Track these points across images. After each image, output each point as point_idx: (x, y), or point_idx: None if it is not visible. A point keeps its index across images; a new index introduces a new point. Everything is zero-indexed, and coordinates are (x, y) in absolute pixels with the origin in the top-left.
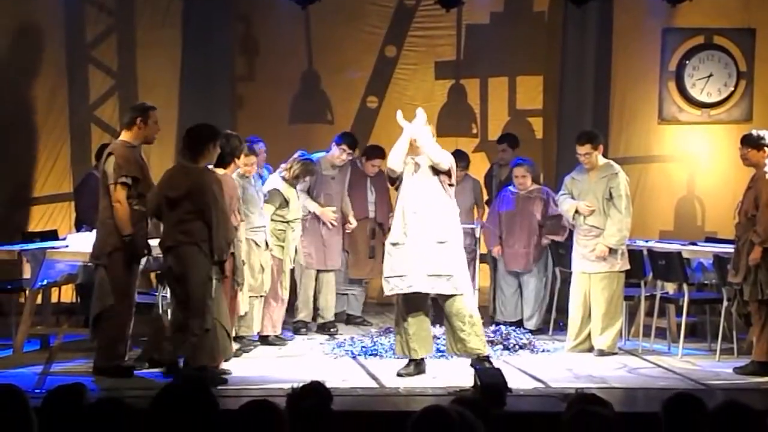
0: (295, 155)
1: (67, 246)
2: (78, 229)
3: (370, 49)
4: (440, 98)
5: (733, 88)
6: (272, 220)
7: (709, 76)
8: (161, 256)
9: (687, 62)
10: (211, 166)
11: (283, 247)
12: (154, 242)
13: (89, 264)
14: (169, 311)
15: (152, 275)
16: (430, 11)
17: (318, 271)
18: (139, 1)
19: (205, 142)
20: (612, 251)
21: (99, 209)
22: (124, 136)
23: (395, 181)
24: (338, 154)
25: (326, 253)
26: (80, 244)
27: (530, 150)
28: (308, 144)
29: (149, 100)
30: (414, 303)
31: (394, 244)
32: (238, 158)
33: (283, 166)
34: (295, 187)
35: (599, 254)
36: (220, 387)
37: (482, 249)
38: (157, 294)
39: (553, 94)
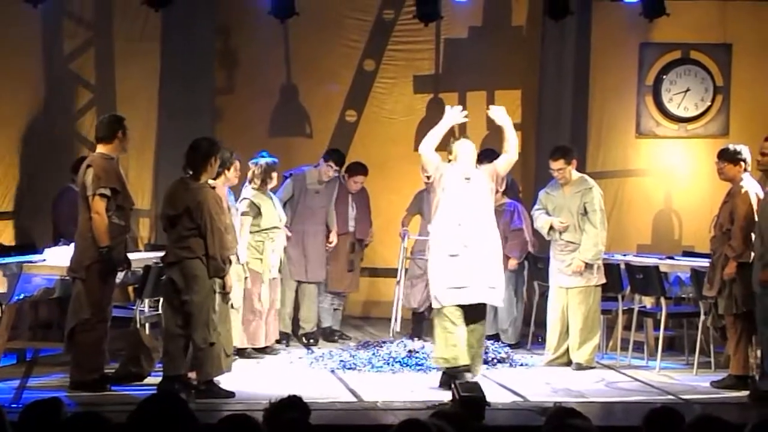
0: (250, 164)
1: (44, 260)
2: (56, 243)
3: (349, 63)
4: (419, 112)
5: (709, 103)
6: (249, 231)
7: (686, 91)
8: (139, 270)
9: (664, 77)
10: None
11: (260, 259)
12: (133, 256)
13: (67, 278)
14: (147, 325)
15: (130, 289)
16: (408, 25)
17: (299, 283)
18: (117, 14)
19: (207, 156)
20: (588, 266)
21: (78, 222)
22: (103, 148)
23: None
24: (325, 170)
25: (307, 265)
26: (58, 257)
27: None
28: (287, 157)
29: (128, 113)
30: (461, 313)
31: (452, 256)
32: (228, 170)
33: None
34: (266, 194)
35: (575, 269)
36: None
37: None
38: (134, 308)
39: (531, 108)
